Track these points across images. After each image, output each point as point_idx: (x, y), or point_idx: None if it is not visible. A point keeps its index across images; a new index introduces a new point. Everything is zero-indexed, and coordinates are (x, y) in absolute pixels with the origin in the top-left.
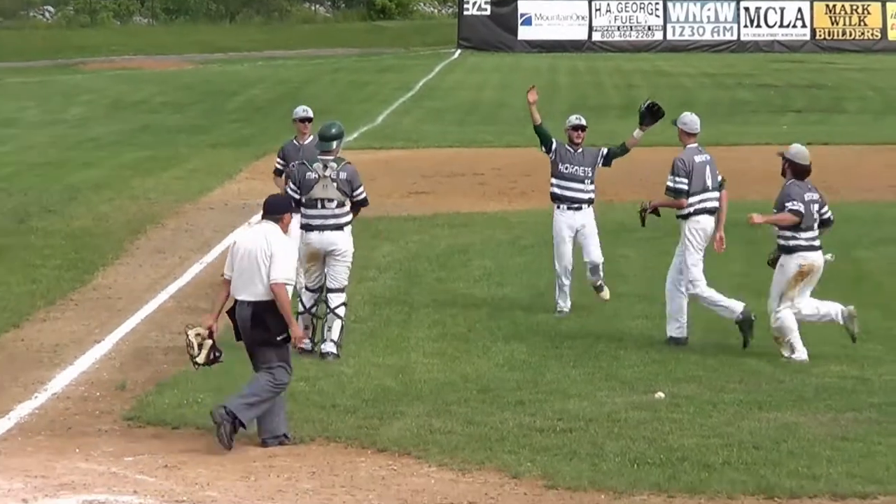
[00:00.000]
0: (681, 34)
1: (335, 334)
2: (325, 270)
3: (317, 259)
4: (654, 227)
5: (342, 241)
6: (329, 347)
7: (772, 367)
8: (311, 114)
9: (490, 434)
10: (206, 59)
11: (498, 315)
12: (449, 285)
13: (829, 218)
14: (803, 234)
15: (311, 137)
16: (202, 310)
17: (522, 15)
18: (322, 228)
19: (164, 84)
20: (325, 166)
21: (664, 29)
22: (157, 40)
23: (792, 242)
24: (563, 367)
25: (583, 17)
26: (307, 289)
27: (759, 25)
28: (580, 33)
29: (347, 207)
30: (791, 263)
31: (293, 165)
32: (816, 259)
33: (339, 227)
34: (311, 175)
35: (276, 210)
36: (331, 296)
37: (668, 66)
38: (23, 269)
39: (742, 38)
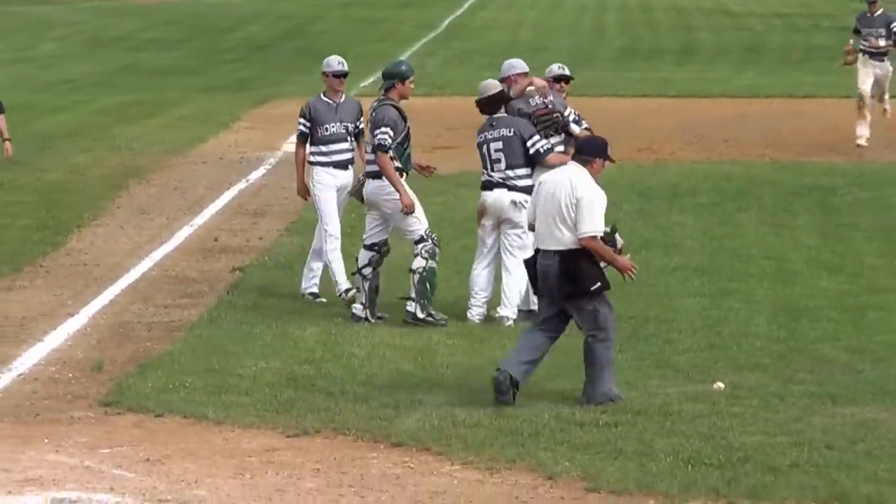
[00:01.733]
0: None
1: (410, 288)
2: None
3: (372, 209)
4: (717, 191)
5: (377, 190)
6: (408, 306)
7: (848, 355)
8: (346, 67)
9: (522, 428)
10: None
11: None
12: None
13: None
14: None
15: (343, 97)
16: (191, 280)
17: None
18: (368, 176)
19: (149, 18)
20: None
21: None
22: None
23: None
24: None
25: None
26: (364, 246)
27: None
28: None
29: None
30: None
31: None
32: None
33: (378, 175)
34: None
35: (588, 151)
36: (416, 245)
37: (734, 5)
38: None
39: None
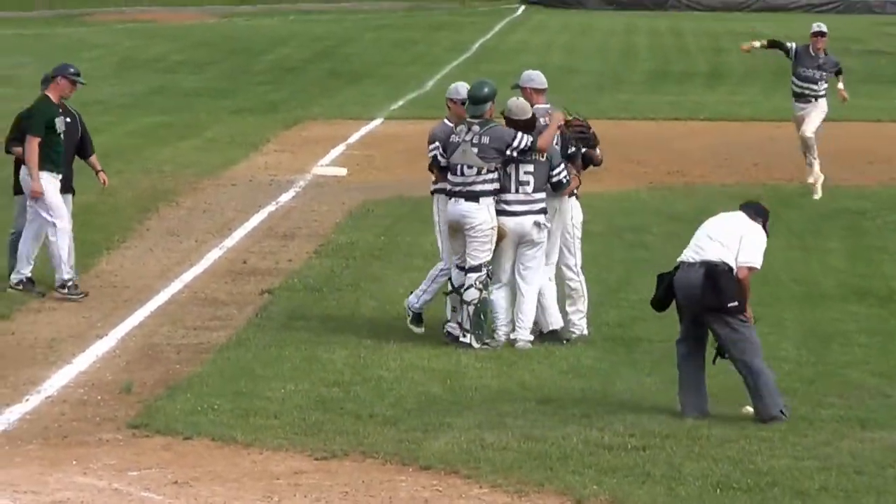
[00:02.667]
0: None
1: (462, 319)
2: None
3: (455, 231)
4: None
5: (475, 213)
6: (463, 338)
7: (877, 379)
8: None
9: (551, 451)
10: (229, 11)
11: (564, 313)
12: None
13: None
14: None
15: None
16: (220, 302)
17: None
18: (458, 196)
19: (181, 40)
20: (469, 128)
21: None
22: None
23: None
24: (636, 374)
25: None
26: (456, 266)
27: None
28: None
29: (493, 175)
30: None
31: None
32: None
33: (476, 197)
34: (455, 139)
35: (761, 214)
36: (460, 275)
37: (764, 28)
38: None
39: None
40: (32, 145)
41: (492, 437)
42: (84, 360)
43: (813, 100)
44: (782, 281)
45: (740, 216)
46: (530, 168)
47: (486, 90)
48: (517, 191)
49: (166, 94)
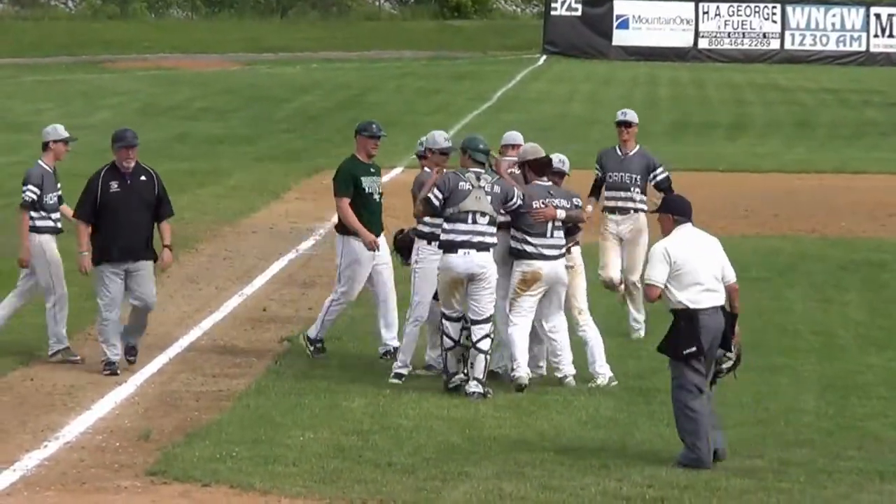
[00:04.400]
0: (801, 43)
1: (479, 371)
2: (467, 298)
3: (459, 285)
4: (766, 266)
5: (490, 265)
6: (475, 387)
7: (895, 432)
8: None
9: (569, 501)
10: (252, 59)
11: (581, 364)
12: None
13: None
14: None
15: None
16: (239, 349)
17: (618, 17)
18: (469, 246)
19: (203, 87)
20: (478, 177)
21: (782, 36)
22: (197, 36)
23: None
24: (655, 425)
25: (688, 21)
26: (448, 318)
27: (891, 35)
28: (684, 39)
29: (495, 227)
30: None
31: (447, 174)
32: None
33: (487, 248)
34: (465, 185)
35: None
36: (474, 328)
37: (785, 80)
38: (34, 298)
39: (871, 48)
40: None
41: (510, 487)
42: (103, 407)
43: (631, 212)
44: (801, 332)
45: (702, 236)
46: (562, 214)
47: (483, 144)
48: (551, 235)
49: (188, 141)
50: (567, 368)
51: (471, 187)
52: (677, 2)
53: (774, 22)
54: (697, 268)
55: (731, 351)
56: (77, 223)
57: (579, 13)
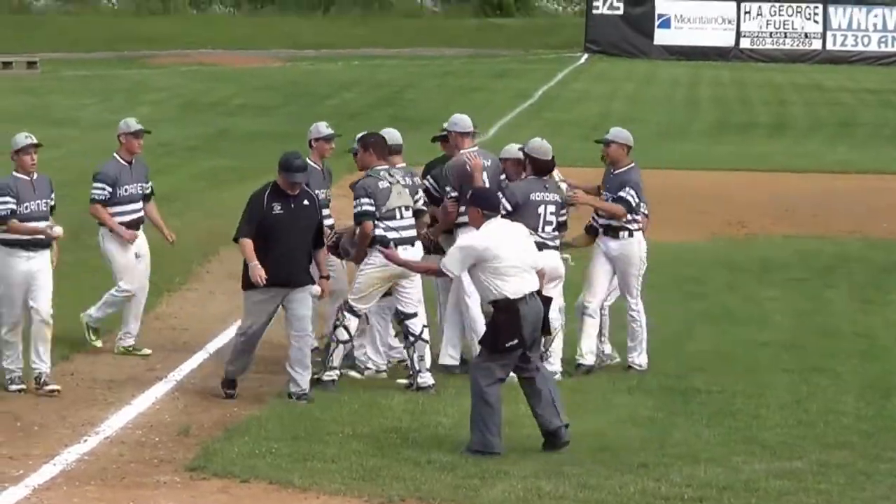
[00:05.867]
0: (842, 43)
1: (429, 362)
2: (398, 293)
3: (389, 280)
4: (807, 267)
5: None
6: (429, 379)
7: None
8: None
9: (608, 500)
10: (293, 55)
11: (621, 362)
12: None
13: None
14: None
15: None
16: (279, 346)
17: (660, 16)
18: (405, 243)
19: (245, 83)
20: (391, 173)
21: (823, 37)
22: (239, 33)
23: None
24: (693, 425)
25: (730, 21)
26: (354, 313)
27: None
28: (726, 39)
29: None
30: None
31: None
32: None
33: (414, 242)
34: (383, 184)
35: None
36: (411, 323)
37: (827, 80)
38: (77, 292)
39: None
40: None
41: (549, 486)
42: (143, 402)
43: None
44: (842, 333)
45: (511, 226)
46: (553, 209)
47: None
48: (542, 229)
49: (229, 138)
50: (556, 366)
51: (389, 184)
52: (719, 1)
53: (816, 22)
54: (511, 255)
55: (550, 335)
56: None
57: (621, 12)
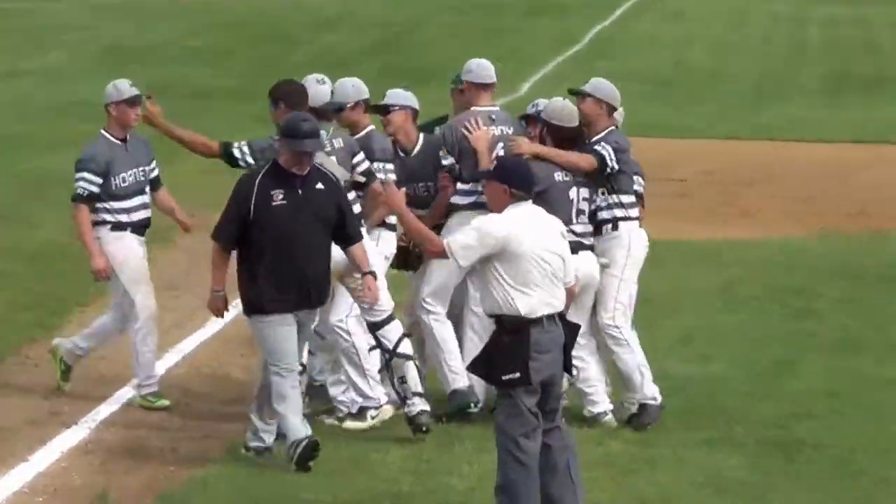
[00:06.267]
0: None
1: (415, 383)
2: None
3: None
4: None
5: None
6: (422, 404)
7: None
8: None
9: None
10: None
11: (700, 405)
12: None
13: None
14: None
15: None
16: (233, 380)
17: None
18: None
19: (192, 20)
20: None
21: None
22: None
23: None
24: (797, 490)
25: None
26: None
27: None
28: None
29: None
30: None
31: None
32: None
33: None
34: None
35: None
36: (382, 333)
37: None
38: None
39: None
40: None
41: None
42: (44, 457)
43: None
44: None
45: (545, 218)
46: (586, 193)
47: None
48: (576, 220)
49: (169, 95)
50: (602, 402)
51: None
52: None
53: None
54: (537, 255)
55: (572, 376)
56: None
57: None
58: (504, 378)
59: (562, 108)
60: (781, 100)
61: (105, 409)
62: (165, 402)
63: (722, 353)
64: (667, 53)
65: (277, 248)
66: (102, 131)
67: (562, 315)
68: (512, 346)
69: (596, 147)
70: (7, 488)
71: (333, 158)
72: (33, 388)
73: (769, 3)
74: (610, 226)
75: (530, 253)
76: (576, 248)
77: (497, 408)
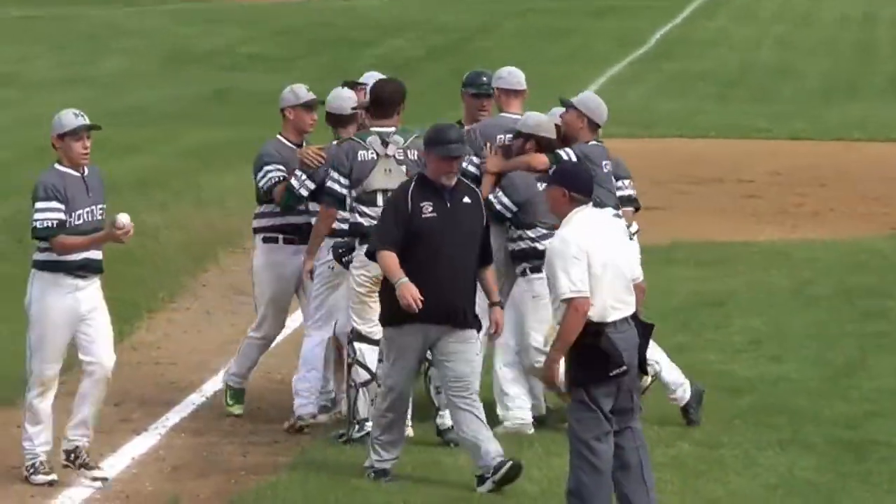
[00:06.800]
0: None
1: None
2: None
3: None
4: None
5: None
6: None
7: None
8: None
9: None
10: None
11: (771, 405)
12: (694, 356)
13: None
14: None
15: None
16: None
17: None
18: None
19: (252, 26)
20: (385, 141)
21: None
22: None
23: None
24: (872, 493)
25: None
26: (365, 339)
27: None
28: None
29: None
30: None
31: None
32: None
33: None
34: (366, 154)
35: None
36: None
37: None
38: (20, 316)
39: None
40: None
41: None
42: (115, 464)
43: None
44: None
45: (608, 219)
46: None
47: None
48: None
49: (231, 101)
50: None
51: (375, 156)
52: None
53: None
54: (606, 260)
55: (647, 375)
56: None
57: None
58: (613, 373)
59: (537, 123)
60: (850, 99)
61: (175, 416)
62: (237, 411)
63: (793, 354)
64: (736, 53)
65: (422, 261)
66: (278, 136)
67: (634, 315)
68: (593, 351)
69: (558, 150)
70: (78, 495)
71: (404, 168)
72: (106, 396)
73: (839, 3)
74: None
75: (599, 258)
76: None
77: (569, 412)
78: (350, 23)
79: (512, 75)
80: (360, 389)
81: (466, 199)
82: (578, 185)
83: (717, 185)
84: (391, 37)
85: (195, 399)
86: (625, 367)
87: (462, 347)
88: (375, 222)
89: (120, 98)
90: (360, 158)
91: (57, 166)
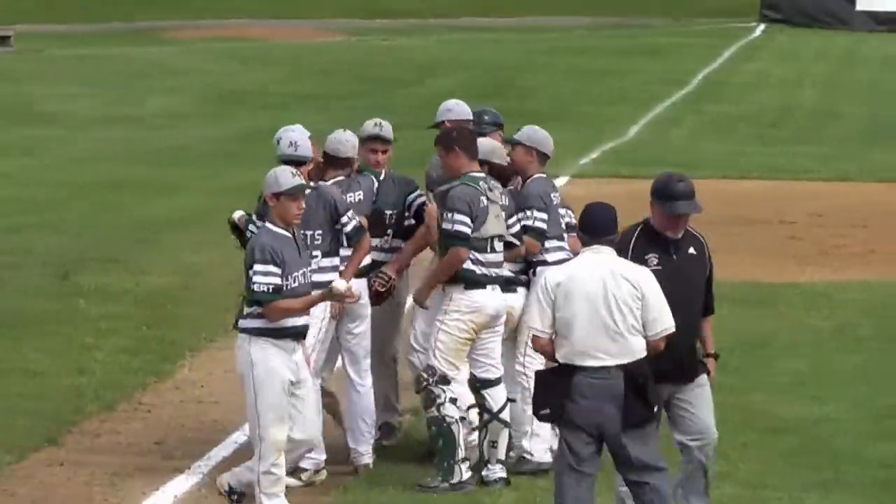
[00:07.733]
0: None
1: (502, 451)
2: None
3: (479, 330)
4: None
5: (518, 305)
6: (500, 472)
7: None
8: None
9: None
10: (361, 27)
11: (814, 447)
12: (737, 398)
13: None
14: None
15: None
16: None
17: None
18: (495, 282)
19: (295, 64)
20: (490, 187)
21: None
22: None
23: None
24: None
25: None
26: (448, 382)
27: None
28: None
29: None
30: None
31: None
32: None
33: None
34: (484, 201)
35: (606, 230)
36: (489, 392)
37: None
38: (66, 353)
39: None
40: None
41: None
42: (158, 503)
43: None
44: None
45: (611, 261)
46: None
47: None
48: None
49: (270, 141)
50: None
51: (487, 202)
52: None
53: None
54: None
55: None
56: None
57: None
58: (539, 413)
59: (491, 149)
60: (893, 141)
61: (217, 454)
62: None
63: (836, 395)
64: (777, 95)
65: None
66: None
67: (627, 367)
68: (550, 385)
69: (528, 224)
70: None
71: (504, 214)
72: (146, 434)
73: (880, 43)
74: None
75: (572, 306)
76: (509, 283)
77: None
78: (392, 61)
79: (532, 134)
80: (456, 425)
81: (692, 250)
82: (584, 227)
83: (759, 227)
84: (433, 76)
85: (237, 438)
86: (546, 411)
87: (698, 392)
88: (484, 270)
89: (163, 137)
90: (481, 204)
91: (270, 226)
